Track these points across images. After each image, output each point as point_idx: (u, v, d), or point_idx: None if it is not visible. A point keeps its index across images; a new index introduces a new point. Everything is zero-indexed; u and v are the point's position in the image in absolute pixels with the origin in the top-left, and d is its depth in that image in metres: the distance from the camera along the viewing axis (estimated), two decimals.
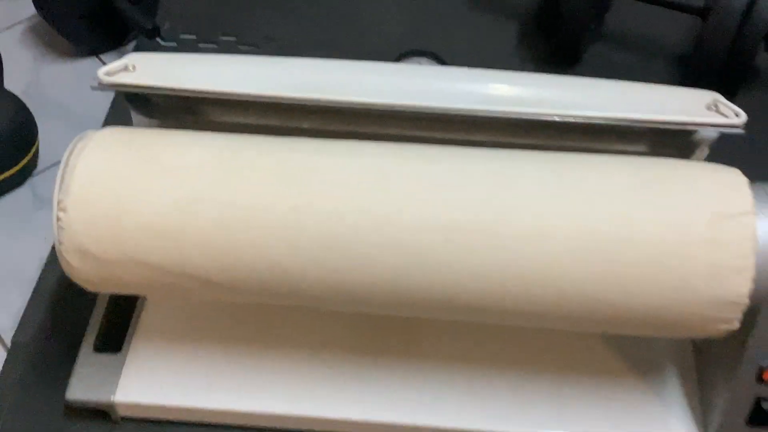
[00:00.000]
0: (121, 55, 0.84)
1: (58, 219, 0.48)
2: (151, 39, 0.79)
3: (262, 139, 0.50)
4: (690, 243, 0.45)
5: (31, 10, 0.88)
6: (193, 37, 0.85)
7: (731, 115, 0.49)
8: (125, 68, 0.52)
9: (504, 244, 0.45)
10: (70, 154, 0.49)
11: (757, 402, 0.51)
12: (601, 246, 0.45)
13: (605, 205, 0.46)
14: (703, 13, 0.75)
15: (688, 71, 0.77)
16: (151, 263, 0.48)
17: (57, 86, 0.81)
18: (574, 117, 0.50)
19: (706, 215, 0.45)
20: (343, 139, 0.50)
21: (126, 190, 0.47)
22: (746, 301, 0.45)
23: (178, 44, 0.85)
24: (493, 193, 0.46)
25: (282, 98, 0.49)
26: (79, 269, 0.49)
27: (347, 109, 0.50)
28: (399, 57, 0.71)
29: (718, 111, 0.50)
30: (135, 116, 0.57)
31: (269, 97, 0.49)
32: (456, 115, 0.50)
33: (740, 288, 0.45)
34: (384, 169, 0.47)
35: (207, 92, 0.51)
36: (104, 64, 0.83)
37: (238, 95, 0.50)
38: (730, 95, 0.77)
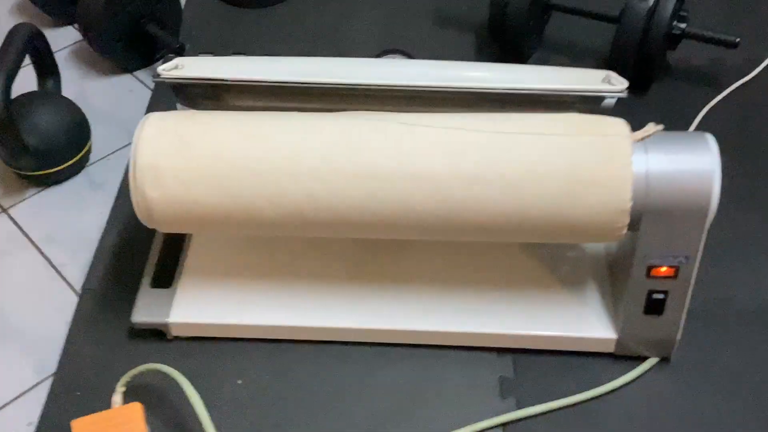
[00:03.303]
0: (151, 72, 1.03)
1: (134, 173, 0.65)
2: (178, 56, 0.97)
3: (278, 114, 0.68)
4: (588, 172, 0.63)
5: (73, 37, 1.07)
6: (210, 54, 1.03)
7: (618, 84, 0.68)
8: (176, 67, 0.70)
9: (463, 175, 0.63)
10: (141, 129, 0.66)
11: (649, 295, 0.69)
12: (524, 177, 0.63)
13: (527, 147, 0.64)
14: (617, 20, 0.94)
15: (609, 68, 0.95)
16: (205, 204, 0.65)
17: (101, 97, 0.99)
18: (506, 89, 0.68)
19: (600, 151, 0.63)
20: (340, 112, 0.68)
21: (184, 147, 0.65)
22: (628, 212, 0.63)
23: None
24: (447, 140, 0.64)
25: (296, 83, 0.67)
26: (148, 212, 0.66)
27: (344, 90, 0.68)
28: (379, 54, 0.91)
29: (610, 82, 0.69)
30: (179, 104, 0.75)
31: (287, 83, 0.67)
32: (425, 90, 0.68)
33: (623, 205, 0.63)
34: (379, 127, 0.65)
35: (237, 80, 0.69)
36: (138, 80, 1.02)
37: (261, 82, 0.68)
38: (645, 84, 0.96)
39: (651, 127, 0.65)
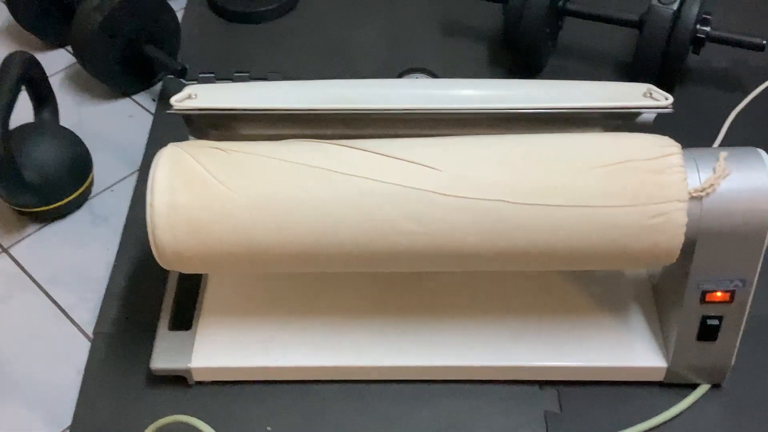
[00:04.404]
0: (151, 95, 0.98)
1: (151, 211, 0.60)
2: (180, 78, 0.93)
3: (300, 143, 0.64)
4: (639, 195, 0.59)
5: (67, 60, 1.02)
6: (211, 75, 0.99)
7: (662, 99, 0.64)
8: (188, 96, 0.66)
9: (503, 254, 0.60)
10: (156, 165, 0.62)
11: (703, 320, 0.65)
12: (570, 255, 0.60)
13: (575, 227, 0.59)
14: (638, 25, 0.90)
15: (630, 74, 0.92)
16: (230, 268, 0.61)
17: (99, 124, 0.94)
18: (545, 109, 0.64)
19: (650, 173, 0.59)
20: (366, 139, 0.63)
21: (201, 185, 0.60)
22: (683, 236, 0.59)
23: (199, 82, 0.98)
24: (489, 168, 0.60)
25: (323, 110, 0.63)
26: (168, 254, 0.62)
27: (370, 116, 0.64)
28: (400, 74, 0.86)
29: (651, 97, 0.65)
30: (190, 135, 0.70)
31: (312, 110, 0.63)
32: (454, 113, 0.64)
33: (678, 227, 0.59)
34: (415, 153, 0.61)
35: (258, 110, 0.64)
36: (137, 103, 0.97)
37: (284, 110, 0.64)
38: (667, 90, 0.92)
39: (717, 174, 0.60)
